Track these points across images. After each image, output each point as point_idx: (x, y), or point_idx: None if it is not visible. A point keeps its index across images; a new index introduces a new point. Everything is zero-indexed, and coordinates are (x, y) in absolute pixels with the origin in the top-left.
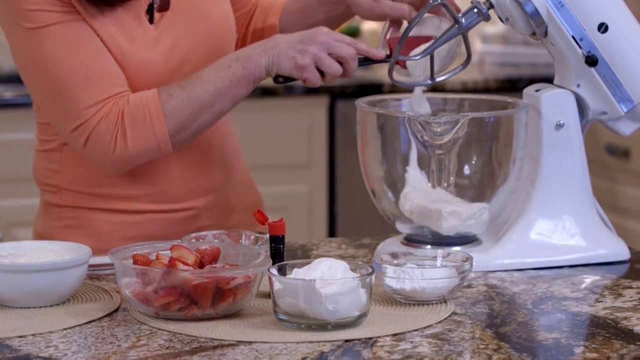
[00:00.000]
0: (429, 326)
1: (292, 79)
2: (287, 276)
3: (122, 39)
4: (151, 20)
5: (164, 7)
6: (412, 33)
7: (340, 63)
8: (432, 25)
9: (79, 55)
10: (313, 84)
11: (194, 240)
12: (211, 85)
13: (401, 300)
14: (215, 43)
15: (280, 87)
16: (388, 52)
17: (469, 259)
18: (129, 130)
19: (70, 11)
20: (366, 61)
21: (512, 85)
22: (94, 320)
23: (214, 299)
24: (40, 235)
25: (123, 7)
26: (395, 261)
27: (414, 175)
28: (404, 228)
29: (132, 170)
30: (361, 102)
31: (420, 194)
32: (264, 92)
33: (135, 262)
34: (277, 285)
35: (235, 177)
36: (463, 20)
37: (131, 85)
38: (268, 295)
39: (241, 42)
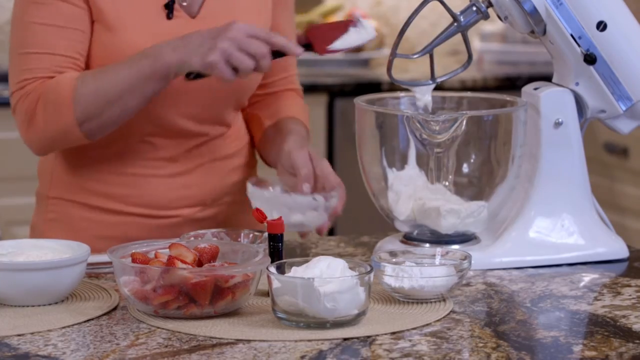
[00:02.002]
0: (427, 324)
1: (204, 75)
2: (286, 274)
3: (133, 25)
4: (169, 16)
5: (191, 12)
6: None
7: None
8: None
9: (47, 31)
10: (225, 80)
11: (192, 238)
12: (120, 79)
13: (400, 299)
14: None
15: None
16: (303, 46)
17: (467, 257)
18: (39, 112)
19: None
20: (282, 54)
21: (511, 84)
22: (92, 319)
23: (213, 297)
24: (31, 228)
25: None
26: (394, 259)
27: (413, 173)
28: (402, 226)
29: (119, 169)
30: (360, 101)
31: (419, 192)
32: None
33: (134, 261)
34: (275, 284)
35: (231, 194)
36: (462, 18)
37: None
38: (267, 293)
39: None
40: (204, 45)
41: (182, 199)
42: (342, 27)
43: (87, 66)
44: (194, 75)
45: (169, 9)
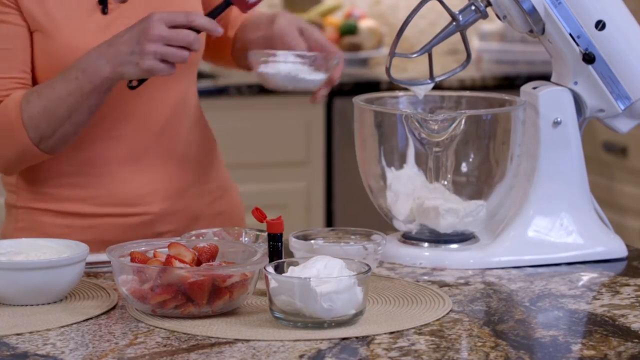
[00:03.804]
0: (426, 324)
1: (145, 79)
2: (283, 274)
3: (69, 27)
4: (104, 11)
5: None
6: None
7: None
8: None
9: None
10: (167, 75)
11: (193, 237)
12: (63, 99)
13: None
14: None
15: None
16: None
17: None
18: None
19: (7, 12)
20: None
21: (510, 83)
22: (91, 318)
23: (210, 296)
24: (3, 237)
25: None
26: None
27: (411, 172)
28: (401, 225)
29: (83, 170)
30: (359, 100)
31: (417, 192)
32: (261, 90)
33: (132, 260)
34: (272, 283)
35: (205, 184)
36: (460, 17)
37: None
38: (265, 293)
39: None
40: (133, 52)
41: (150, 195)
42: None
43: (34, 79)
44: (138, 82)
45: (104, 3)
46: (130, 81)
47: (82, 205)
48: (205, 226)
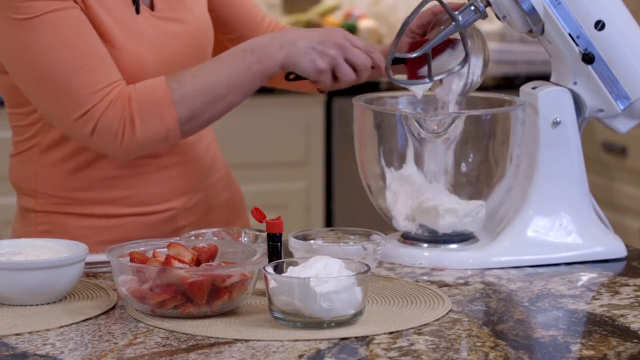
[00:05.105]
0: (426, 324)
1: (304, 78)
2: (283, 274)
3: (115, 29)
4: (137, 11)
5: (151, 6)
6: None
7: (353, 69)
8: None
9: (83, 39)
10: (325, 87)
11: (193, 237)
12: (225, 77)
13: None
14: (197, 46)
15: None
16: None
17: None
18: (137, 118)
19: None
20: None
21: (509, 83)
22: (90, 318)
23: (210, 296)
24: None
25: None
26: None
27: (411, 172)
28: (400, 225)
29: (109, 174)
30: (358, 100)
31: (417, 192)
32: (260, 90)
33: (132, 260)
34: (272, 283)
35: (212, 175)
36: (460, 17)
37: (124, 77)
38: (265, 293)
39: None
40: (314, 49)
41: (174, 191)
42: (441, 46)
43: None
44: (296, 76)
45: (136, 4)
46: (290, 73)
47: (106, 208)
48: (217, 216)
